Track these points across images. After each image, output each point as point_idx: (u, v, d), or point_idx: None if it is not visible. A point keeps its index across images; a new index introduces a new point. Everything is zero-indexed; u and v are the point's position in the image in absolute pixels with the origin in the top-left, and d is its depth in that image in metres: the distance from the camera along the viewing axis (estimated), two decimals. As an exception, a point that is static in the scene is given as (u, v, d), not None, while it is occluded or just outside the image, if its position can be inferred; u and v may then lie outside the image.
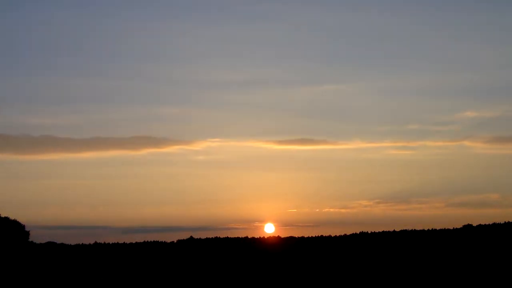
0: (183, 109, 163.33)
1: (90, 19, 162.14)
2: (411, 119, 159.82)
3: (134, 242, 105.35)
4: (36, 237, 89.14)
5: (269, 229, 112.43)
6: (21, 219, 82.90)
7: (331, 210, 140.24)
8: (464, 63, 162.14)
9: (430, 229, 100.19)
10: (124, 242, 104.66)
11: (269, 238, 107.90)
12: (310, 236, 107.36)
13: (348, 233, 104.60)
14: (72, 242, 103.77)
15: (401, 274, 57.89)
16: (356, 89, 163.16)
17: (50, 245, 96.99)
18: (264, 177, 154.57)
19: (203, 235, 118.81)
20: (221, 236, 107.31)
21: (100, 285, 56.77)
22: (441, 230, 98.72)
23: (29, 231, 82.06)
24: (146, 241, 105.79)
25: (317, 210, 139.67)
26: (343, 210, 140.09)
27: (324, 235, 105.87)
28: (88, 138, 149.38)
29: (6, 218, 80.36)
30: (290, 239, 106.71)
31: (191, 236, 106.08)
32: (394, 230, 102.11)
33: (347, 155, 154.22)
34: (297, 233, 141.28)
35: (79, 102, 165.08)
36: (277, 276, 59.36)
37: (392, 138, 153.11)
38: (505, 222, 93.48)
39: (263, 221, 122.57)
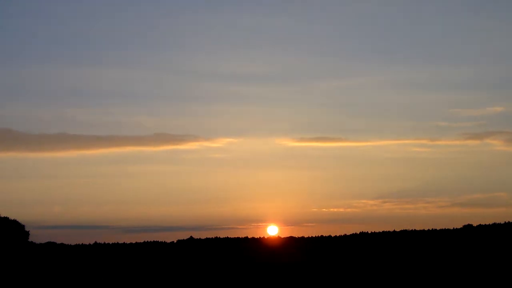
0: (203, 105, 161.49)
1: (109, 11, 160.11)
2: (437, 115, 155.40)
3: (134, 242, 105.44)
4: (36, 237, 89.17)
5: (272, 231, 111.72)
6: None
7: (340, 210, 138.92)
8: (493, 57, 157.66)
9: (430, 229, 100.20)
10: (124, 242, 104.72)
11: (269, 238, 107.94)
12: (310, 236, 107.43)
13: (348, 233, 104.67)
14: (73, 242, 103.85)
15: (401, 274, 57.85)
16: (378, 84, 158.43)
17: (50, 245, 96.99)
18: (277, 175, 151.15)
19: (206, 234, 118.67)
20: (221, 236, 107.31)
21: (100, 285, 56.71)
22: (441, 230, 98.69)
23: (29, 231, 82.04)
24: (146, 241, 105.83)
25: (324, 209, 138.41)
26: (349, 210, 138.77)
27: (324, 235, 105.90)
28: (105, 135, 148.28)
29: (6, 218, 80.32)
30: (290, 239, 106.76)
31: (191, 236, 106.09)
32: (394, 230, 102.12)
33: (366, 153, 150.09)
34: (303, 233, 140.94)
35: (97, 98, 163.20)
36: (276, 276, 59.33)
37: (414, 135, 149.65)
38: (505, 222, 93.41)
39: (269, 220, 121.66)
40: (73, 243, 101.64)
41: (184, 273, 65.93)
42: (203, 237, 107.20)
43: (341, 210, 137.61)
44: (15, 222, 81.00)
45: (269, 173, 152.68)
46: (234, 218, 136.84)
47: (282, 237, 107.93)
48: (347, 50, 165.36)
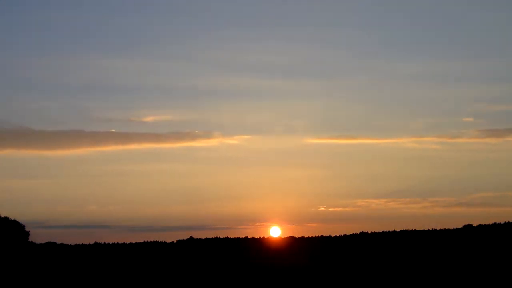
0: (221, 102, 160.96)
1: (126, 4, 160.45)
2: (461, 110, 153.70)
3: (134, 242, 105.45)
4: (36, 237, 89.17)
5: (275, 232, 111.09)
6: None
7: (346, 209, 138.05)
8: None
9: (430, 229, 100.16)
10: (124, 242, 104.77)
11: (270, 238, 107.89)
12: (310, 236, 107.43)
13: (348, 233, 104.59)
14: (73, 242, 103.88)
15: (401, 273, 57.84)
16: (399, 79, 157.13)
17: (50, 245, 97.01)
18: (286, 174, 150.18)
19: (207, 234, 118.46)
20: (221, 236, 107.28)
21: (100, 285, 56.67)
22: (441, 230, 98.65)
23: (29, 231, 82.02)
24: (146, 241, 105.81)
25: (331, 209, 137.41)
26: (353, 209, 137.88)
27: (324, 235, 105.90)
28: (120, 132, 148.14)
29: (6, 218, 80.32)
30: (291, 239, 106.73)
31: (191, 236, 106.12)
32: (394, 230, 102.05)
33: (382, 152, 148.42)
34: (307, 233, 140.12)
35: (115, 95, 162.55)
36: (275, 276, 59.33)
37: (437, 132, 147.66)
38: (505, 222, 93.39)
39: (273, 220, 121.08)
40: (73, 243, 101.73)
41: (184, 273, 65.91)
42: (203, 237, 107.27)
43: (347, 209, 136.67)
44: (15, 222, 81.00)
45: (277, 172, 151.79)
46: (236, 218, 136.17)
47: (283, 237, 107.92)
48: (369, 44, 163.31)
